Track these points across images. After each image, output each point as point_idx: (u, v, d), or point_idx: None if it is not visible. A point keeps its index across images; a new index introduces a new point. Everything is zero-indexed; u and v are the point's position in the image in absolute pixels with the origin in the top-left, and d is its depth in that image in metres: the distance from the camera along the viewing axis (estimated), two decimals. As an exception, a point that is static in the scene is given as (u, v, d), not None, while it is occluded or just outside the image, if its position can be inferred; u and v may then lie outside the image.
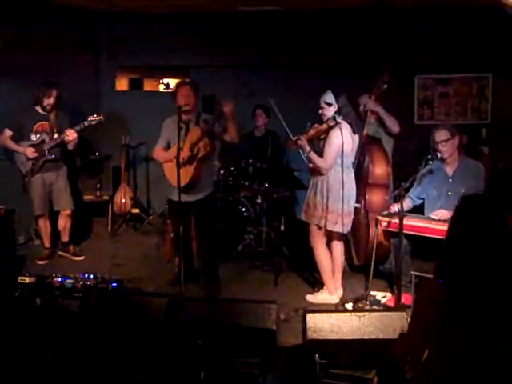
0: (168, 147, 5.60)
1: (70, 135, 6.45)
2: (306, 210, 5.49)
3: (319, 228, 5.42)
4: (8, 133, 6.58)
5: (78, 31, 8.31)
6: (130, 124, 8.65)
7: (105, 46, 9.04)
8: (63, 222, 6.80)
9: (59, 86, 6.64)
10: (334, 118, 5.26)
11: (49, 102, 6.54)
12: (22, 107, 6.72)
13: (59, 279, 5.32)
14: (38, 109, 6.62)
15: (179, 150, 5.14)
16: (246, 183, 7.08)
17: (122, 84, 9.75)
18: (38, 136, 6.55)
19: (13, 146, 6.59)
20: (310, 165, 5.45)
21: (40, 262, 6.59)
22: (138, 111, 8.34)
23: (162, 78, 10.35)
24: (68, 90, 7.01)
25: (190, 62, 8.82)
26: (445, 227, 4.85)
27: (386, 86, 6.00)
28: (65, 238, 6.87)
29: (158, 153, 5.69)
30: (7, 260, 6.10)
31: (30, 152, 6.50)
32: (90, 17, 8.48)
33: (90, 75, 8.79)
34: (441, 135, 5.30)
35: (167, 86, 10.31)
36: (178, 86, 5.65)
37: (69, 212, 6.78)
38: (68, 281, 5.30)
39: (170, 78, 10.28)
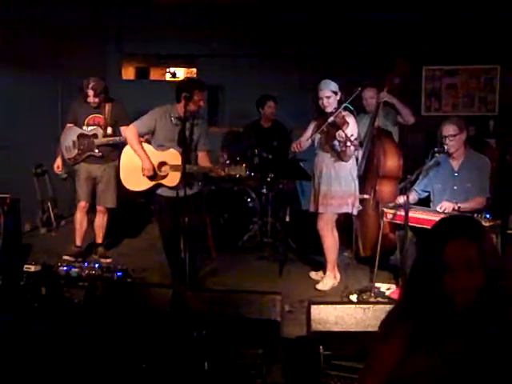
0: (143, 136, 5.43)
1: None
2: (321, 200, 5.52)
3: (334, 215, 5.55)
4: (69, 126, 6.34)
5: (84, 20, 8.29)
6: (136, 113, 8.64)
7: (111, 35, 9.04)
8: (97, 220, 6.47)
9: (98, 82, 6.22)
10: (347, 108, 5.36)
11: (89, 99, 6.20)
12: (77, 99, 6.40)
13: (64, 268, 5.35)
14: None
15: (186, 146, 5.04)
16: (252, 173, 7.06)
17: (129, 73, 9.75)
18: (89, 128, 6.25)
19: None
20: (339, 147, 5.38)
21: (65, 257, 6.21)
22: (145, 100, 8.33)
23: (169, 67, 10.34)
24: (74, 77, 7.00)
25: (196, 51, 8.81)
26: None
27: (399, 80, 6.01)
28: (98, 239, 6.53)
29: (134, 138, 5.41)
30: (13, 248, 6.11)
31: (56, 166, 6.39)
32: (97, 5, 8.46)
33: (97, 64, 8.77)
34: (449, 129, 5.26)
35: (173, 74, 10.30)
36: (194, 87, 5.30)
37: (103, 209, 6.43)
38: (73, 270, 5.34)
39: (177, 66, 10.28)
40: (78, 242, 6.49)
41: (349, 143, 5.18)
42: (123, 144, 6.15)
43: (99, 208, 6.46)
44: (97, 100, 6.20)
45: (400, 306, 2.12)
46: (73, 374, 3.73)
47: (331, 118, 5.29)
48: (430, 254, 1.98)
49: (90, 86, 6.15)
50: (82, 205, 6.40)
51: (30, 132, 6.98)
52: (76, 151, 6.29)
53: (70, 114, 6.38)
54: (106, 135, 6.26)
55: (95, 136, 6.25)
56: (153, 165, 5.33)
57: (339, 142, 5.25)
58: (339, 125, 5.26)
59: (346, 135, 5.17)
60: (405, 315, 2.04)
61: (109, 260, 6.37)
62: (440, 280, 1.94)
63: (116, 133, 6.31)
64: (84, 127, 6.27)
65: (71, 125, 6.32)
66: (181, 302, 4.16)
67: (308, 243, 6.54)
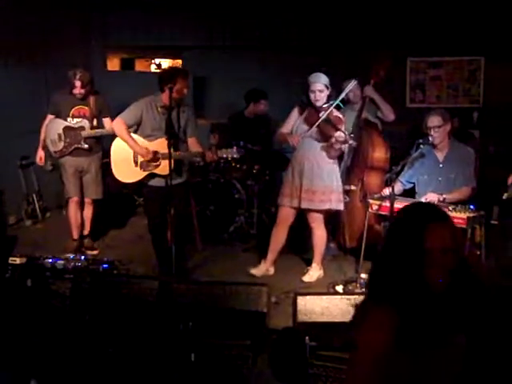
0: (131, 128, 5.41)
1: None
2: (304, 195, 5.50)
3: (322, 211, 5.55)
4: (50, 117, 6.26)
5: (69, 10, 8.23)
6: (121, 104, 8.59)
7: (96, 26, 8.97)
8: (85, 211, 6.45)
9: (85, 73, 6.17)
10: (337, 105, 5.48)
11: (75, 91, 6.14)
12: (59, 90, 6.34)
13: (50, 260, 5.32)
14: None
15: (172, 134, 5.06)
16: (238, 165, 7.06)
17: (114, 64, 9.70)
18: (75, 120, 6.20)
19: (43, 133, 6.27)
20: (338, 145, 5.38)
21: (67, 255, 5.93)
22: (130, 91, 8.27)
23: (154, 58, 10.30)
24: (58, 68, 6.96)
25: (181, 42, 8.77)
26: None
27: (384, 72, 6.04)
28: (85, 231, 6.50)
29: (124, 130, 5.34)
30: (-3, 241, 6.10)
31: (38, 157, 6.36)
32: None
33: (82, 54, 8.72)
34: (434, 121, 5.30)
35: (159, 66, 10.26)
36: (177, 75, 5.26)
37: (90, 200, 6.41)
38: (59, 262, 5.31)
39: (162, 58, 10.24)
40: (76, 236, 6.47)
41: (349, 142, 5.25)
42: (108, 136, 6.15)
43: (87, 200, 6.43)
44: (83, 91, 6.15)
45: (375, 291, 2.15)
46: (59, 365, 3.74)
47: (324, 115, 5.32)
48: (409, 238, 2.05)
49: (78, 76, 6.09)
50: (75, 200, 6.38)
51: (15, 124, 6.93)
52: (62, 144, 6.23)
53: (52, 105, 6.31)
54: (93, 127, 6.22)
55: (82, 128, 6.20)
56: (147, 148, 5.29)
57: (337, 141, 5.25)
58: (335, 123, 5.31)
59: (345, 135, 5.22)
60: (381, 299, 2.07)
61: (95, 252, 6.39)
62: (419, 263, 2.02)
63: (99, 124, 6.27)
64: (69, 119, 6.22)
65: (52, 117, 6.26)
66: (167, 293, 4.17)
67: (294, 234, 6.55)
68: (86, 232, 6.52)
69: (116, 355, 3.84)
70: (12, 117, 6.96)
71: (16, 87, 7.25)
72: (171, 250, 4.99)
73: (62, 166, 6.34)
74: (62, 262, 5.31)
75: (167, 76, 5.29)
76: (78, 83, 6.10)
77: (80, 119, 6.21)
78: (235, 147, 5.41)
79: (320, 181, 5.45)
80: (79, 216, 6.43)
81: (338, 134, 5.23)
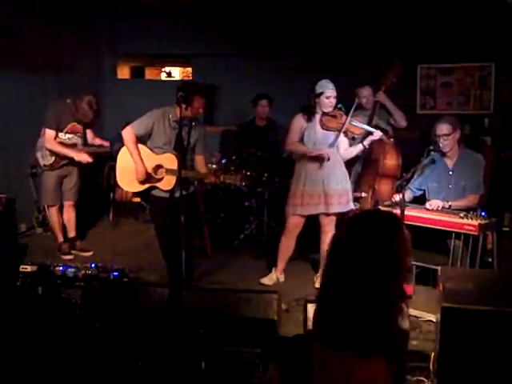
0: (140, 139, 5.32)
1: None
2: (339, 200, 5.52)
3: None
4: (51, 132, 6.27)
5: (79, 19, 8.27)
6: (130, 112, 8.62)
7: (106, 34, 9.01)
8: (67, 215, 6.65)
9: (90, 97, 6.29)
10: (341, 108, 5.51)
11: (84, 118, 6.33)
12: (58, 104, 6.44)
13: (61, 268, 5.33)
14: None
15: (183, 150, 5.04)
16: (248, 173, 7.02)
17: (124, 72, 9.73)
18: (67, 136, 6.33)
19: (62, 149, 6.31)
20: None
21: (65, 257, 6.42)
22: (140, 99, 8.31)
23: (164, 67, 10.34)
24: (70, 77, 7.00)
25: (191, 50, 8.79)
26: (445, 218, 4.92)
27: (396, 79, 6.04)
28: (71, 233, 6.69)
29: (131, 141, 5.22)
30: (9, 249, 6.11)
31: (84, 157, 6.34)
32: (92, 4, 8.44)
33: (92, 63, 8.77)
34: (442, 129, 5.27)
35: (169, 74, 10.30)
36: (196, 92, 5.15)
37: (72, 203, 6.62)
38: (69, 270, 5.31)
39: (172, 66, 10.27)
40: (61, 238, 6.69)
41: (383, 139, 5.59)
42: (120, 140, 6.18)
43: (69, 203, 6.64)
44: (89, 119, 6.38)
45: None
46: (71, 372, 3.73)
47: (348, 118, 5.43)
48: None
49: (87, 101, 6.25)
50: (57, 207, 6.61)
51: (25, 132, 6.95)
52: (53, 159, 6.40)
53: (54, 119, 6.29)
54: (84, 144, 6.46)
55: (74, 145, 6.37)
56: (146, 169, 5.21)
57: (372, 140, 5.49)
58: (360, 126, 5.53)
59: (381, 132, 5.54)
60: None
61: (90, 253, 6.59)
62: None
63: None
64: (60, 134, 6.32)
65: (53, 133, 6.25)
66: (177, 300, 4.17)
67: (304, 242, 6.53)
68: (72, 234, 6.72)
69: (127, 363, 3.84)
70: (22, 125, 6.98)
71: (26, 96, 7.27)
72: (181, 258, 4.97)
73: (46, 174, 6.50)
74: (72, 269, 5.32)
75: (186, 90, 5.12)
76: (90, 114, 6.28)
77: (72, 135, 6.37)
78: (240, 176, 5.22)
79: (343, 183, 5.53)
80: (60, 218, 6.68)
81: (377, 132, 5.49)
